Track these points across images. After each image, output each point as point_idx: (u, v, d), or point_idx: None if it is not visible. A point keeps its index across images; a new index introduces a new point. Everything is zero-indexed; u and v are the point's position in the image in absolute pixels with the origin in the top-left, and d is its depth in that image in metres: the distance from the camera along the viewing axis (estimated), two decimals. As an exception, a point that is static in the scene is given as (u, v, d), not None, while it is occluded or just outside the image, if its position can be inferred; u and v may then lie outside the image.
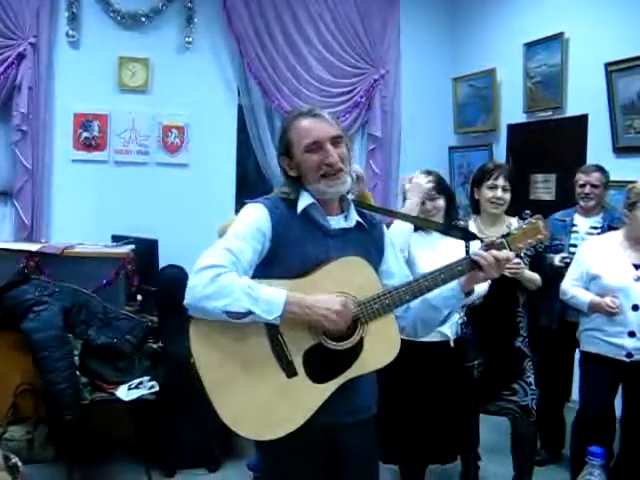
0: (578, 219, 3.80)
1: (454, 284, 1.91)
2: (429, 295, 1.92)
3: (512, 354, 3.13)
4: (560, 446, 3.91)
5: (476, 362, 3.02)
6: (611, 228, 3.54)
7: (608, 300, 3.02)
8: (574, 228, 3.78)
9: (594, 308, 3.11)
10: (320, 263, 1.82)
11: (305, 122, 1.86)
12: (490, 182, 3.12)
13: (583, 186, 3.74)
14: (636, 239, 3.13)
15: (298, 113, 1.92)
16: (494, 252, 1.86)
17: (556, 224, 3.82)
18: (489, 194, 3.12)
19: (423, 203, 2.92)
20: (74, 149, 5.06)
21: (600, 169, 3.78)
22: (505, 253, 1.88)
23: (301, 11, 5.42)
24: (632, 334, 3.04)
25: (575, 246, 3.65)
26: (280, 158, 1.93)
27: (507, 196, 3.12)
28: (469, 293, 1.95)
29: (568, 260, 3.49)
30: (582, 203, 3.76)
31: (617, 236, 3.21)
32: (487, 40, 5.56)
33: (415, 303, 1.94)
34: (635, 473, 3.22)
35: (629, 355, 3.07)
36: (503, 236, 1.93)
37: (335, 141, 1.86)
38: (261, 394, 1.74)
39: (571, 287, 3.24)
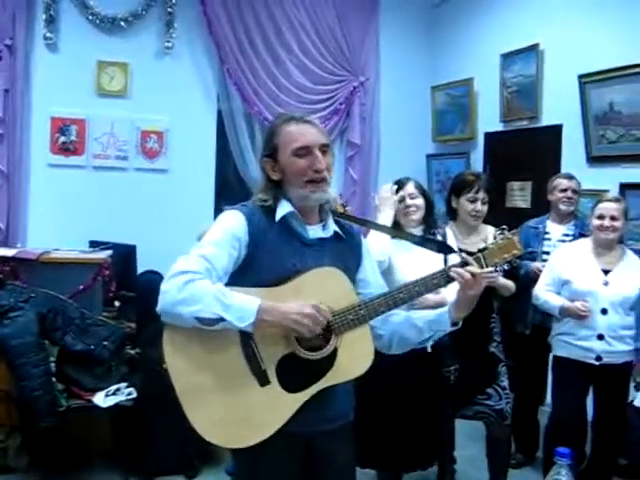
0: (551, 226, 3.86)
1: (445, 311, 1.92)
2: (415, 315, 1.94)
3: (486, 359, 3.19)
4: (535, 449, 3.98)
5: (452, 368, 3.05)
6: (582, 236, 3.62)
7: (579, 304, 3.13)
8: (547, 235, 3.83)
9: (565, 312, 3.22)
10: (296, 272, 1.81)
11: (296, 127, 1.87)
12: (471, 195, 3.17)
13: (565, 190, 3.80)
14: (605, 246, 3.23)
15: (289, 117, 1.91)
16: (470, 268, 1.86)
17: (529, 232, 3.87)
18: (469, 207, 3.17)
19: (401, 201, 2.95)
20: (51, 153, 5.01)
21: (575, 178, 3.86)
22: (481, 270, 1.87)
23: (281, 18, 5.44)
24: (601, 337, 3.14)
25: (548, 253, 3.72)
26: (263, 160, 1.92)
27: (485, 208, 3.18)
28: (456, 324, 1.93)
29: None
30: (563, 207, 3.80)
31: (588, 243, 3.31)
32: (465, 50, 5.62)
33: (398, 319, 1.95)
34: (605, 475, 3.29)
35: (598, 358, 3.16)
36: (479, 250, 1.93)
37: (323, 149, 1.87)
38: (233, 402, 1.74)
39: (543, 292, 3.34)
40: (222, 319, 1.67)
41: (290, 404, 1.77)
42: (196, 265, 1.73)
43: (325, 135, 1.90)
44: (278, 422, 1.76)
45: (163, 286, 1.71)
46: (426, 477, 3.41)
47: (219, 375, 1.74)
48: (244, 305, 1.69)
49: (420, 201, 2.99)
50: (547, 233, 3.84)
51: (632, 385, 3.33)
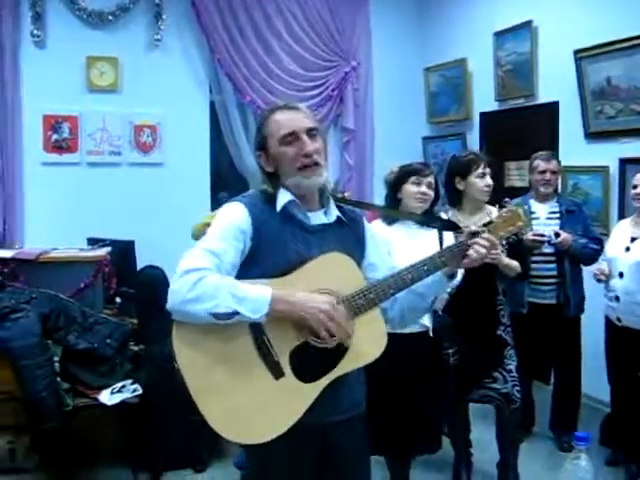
0: (535, 206, 3.82)
1: (437, 273, 1.90)
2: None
3: (493, 342, 3.16)
4: (531, 424, 4.03)
5: (451, 350, 3.04)
6: (568, 212, 3.72)
7: (598, 268, 3.42)
8: (533, 215, 3.79)
9: (595, 277, 3.48)
10: (302, 260, 1.79)
11: (281, 115, 1.85)
12: (480, 171, 3.13)
13: (543, 172, 3.77)
14: None
15: (274, 107, 1.90)
16: (481, 240, 1.86)
17: None
18: (480, 184, 3.13)
19: (418, 184, 2.92)
20: (45, 151, 4.99)
21: (555, 157, 3.84)
22: (491, 241, 1.87)
23: (270, 5, 5.40)
24: (617, 299, 3.35)
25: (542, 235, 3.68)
26: (256, 154, 1.91)
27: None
28: (452, 276, 1.94)
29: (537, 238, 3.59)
30: (542, 189, 3.79)
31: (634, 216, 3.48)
32: (457, 30, 5.57)
33: (400, 293, 1.92)
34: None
35: (618, 319, 3.33)
36: (485, 224, 1.93)
37: (311, 134, 1.83)
38: (248, 397, 1.70)
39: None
40: (237, 312, 1.64)
41: (306, 395, 1.74)
42: (205, 261, 1.70)
43: (312, 119, 1.87)
44: (295, 415, 1.72)
45: (173, 285, 1.68)
46: (435, 461, 3.40)
47: (233, 370, 1.71)
48: (256, 296, 1.67)
49: (432, 193, 2.97)
50: (533, 212, 3.80)
51: None
